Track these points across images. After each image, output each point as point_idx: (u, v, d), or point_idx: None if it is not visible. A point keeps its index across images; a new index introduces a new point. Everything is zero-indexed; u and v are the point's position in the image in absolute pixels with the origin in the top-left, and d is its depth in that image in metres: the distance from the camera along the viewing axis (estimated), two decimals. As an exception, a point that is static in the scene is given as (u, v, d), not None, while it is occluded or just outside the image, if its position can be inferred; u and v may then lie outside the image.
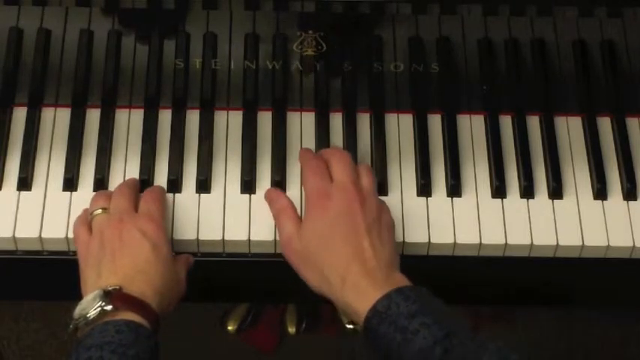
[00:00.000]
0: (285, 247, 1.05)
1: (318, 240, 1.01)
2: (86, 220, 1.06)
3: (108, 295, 0.96)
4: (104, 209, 1.05)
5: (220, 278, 1.14)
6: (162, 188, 1.10)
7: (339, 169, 1.06)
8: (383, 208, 1.05)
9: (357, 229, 1.01)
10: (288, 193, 1.11)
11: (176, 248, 1.07)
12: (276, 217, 1.07)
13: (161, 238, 1.03)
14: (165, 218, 1.07)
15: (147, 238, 1.02)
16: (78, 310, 0.97)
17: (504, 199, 1.13)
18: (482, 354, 0.90)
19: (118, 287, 0.97)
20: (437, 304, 0.96)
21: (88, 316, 0.96)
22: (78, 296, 1.01)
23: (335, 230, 1.01)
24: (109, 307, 0.95)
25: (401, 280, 0.99)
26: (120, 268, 1.00)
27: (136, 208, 1.06)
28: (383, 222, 1.04)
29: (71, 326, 0.97)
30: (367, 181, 1.06)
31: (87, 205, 1.08)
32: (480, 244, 1.10)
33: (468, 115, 1.18)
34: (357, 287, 0.97)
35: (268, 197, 1.09)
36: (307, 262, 1.02)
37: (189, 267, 1.07)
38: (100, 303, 0.96)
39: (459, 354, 0.90)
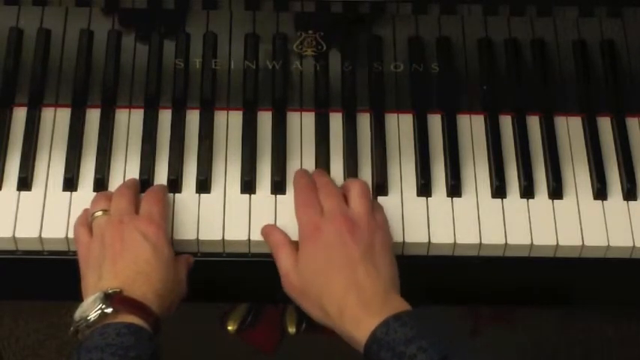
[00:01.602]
0: (284, 282, 1.05)
1: (314, 273, 1.02)
2: (86, 222, 1.06)
3: (108, 298, 0.96)
4: (105, 211, 1.05)
5: (220, 278, 1.14)
6: (164, 188, 1.10)
7: (328, 200, 1.06)
8: (377, 230, 1.04)
9: (350, 258, 1.01)
10: (288, 193, 1.11)
11: (176, 248, 1.07)
12: (273, 252, 1.07)
13: (162, 239, 1.03)
14: (166, 219, 1.07)
15: (147, 241, 1.02)
16: (78, 313, 0.97)
17: (504, 199, 1.13)
18: None
19: (118, 290, 0.97)
20: (434, 328, 0.96)
21: (88, 318, 0.96)
22: (78, 296, 1.01)
23: (329, 262, 1.01)
24: (109, 310, 0.95)
25: (399, 305, 0.98)
26: (120, 271, 1.00)
27: (136, 209, 1.06)
28: (377, 245, 1.03)
29: (72, 329, 0.97)
30: (359, 203, 1.05)
31: (87, 205, 1.08)
32: (480, 244, 1.10)
33: (468, 115, 1.18)
34: (355, 317, 0.98)
35: (264, 232, 1.09)
36: (305, 296, 1.03)
37: (190, 267, 1.07)
38: (100, 305, 0.96)
39: None
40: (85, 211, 1.08)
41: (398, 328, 0.94)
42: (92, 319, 0.95)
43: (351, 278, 1.00)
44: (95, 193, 1.09)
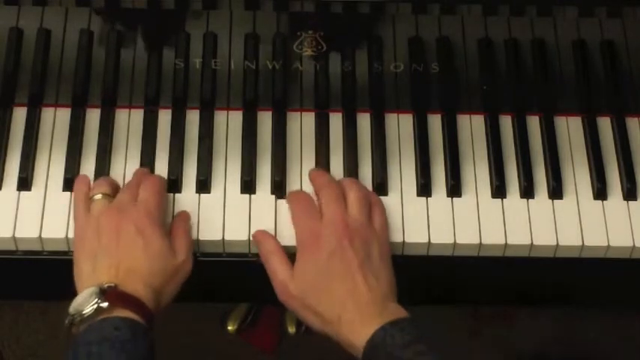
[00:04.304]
0: (280, 292, 1.05)
1: (313, 282, 1.02)
2: (85, 197, 1.07)
3: (103, 293, 0.97)
4: (104, 194, 1.06)
5: (220, 278, 1.14)
6: (162, 180, 1.10)
7: (330, 206, 1.06)
8: (375, 239, 1.05)
9: (349, 265, 1.01)
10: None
11: (176, 248, 1.07)
12: (265, 260, 1.07)
13: (156, 234, 1.03)
14: (162, 210, 1.06)
15: (141, 236, 1.02)
16: (74, 306, 0.97)
17: (504, 199, 1.13)
18: None
19: (113, 285, 0.98)
20: (431, 334, 0.97)
21: (83, 312, 0.96)
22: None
23: (328, 270, 1.02)
24: (104, 304, 0.96)
25: (396, 312, 1.00)
26: (115, 265, 1.00)
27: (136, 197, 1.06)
28: (375, 254, 1.04)
29: (66, 322, 0.97)
30: (357, 210, 1.05)
31: (87, 206, 1.08)
32: (480, 244, 1.10)
33: (468, 115, 1.18)
34: (352, 322, 0.99)
35: (255, 239, 1.09)
36: (304, 306, 1.03)
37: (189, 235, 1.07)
38: (96, 300, 0.96)
39: None
40: (83, 177, 1.09)
41: (395, 334, 0.96)
42: (87, 313, 0.96)
43: (350, 285, 1.01)
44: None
